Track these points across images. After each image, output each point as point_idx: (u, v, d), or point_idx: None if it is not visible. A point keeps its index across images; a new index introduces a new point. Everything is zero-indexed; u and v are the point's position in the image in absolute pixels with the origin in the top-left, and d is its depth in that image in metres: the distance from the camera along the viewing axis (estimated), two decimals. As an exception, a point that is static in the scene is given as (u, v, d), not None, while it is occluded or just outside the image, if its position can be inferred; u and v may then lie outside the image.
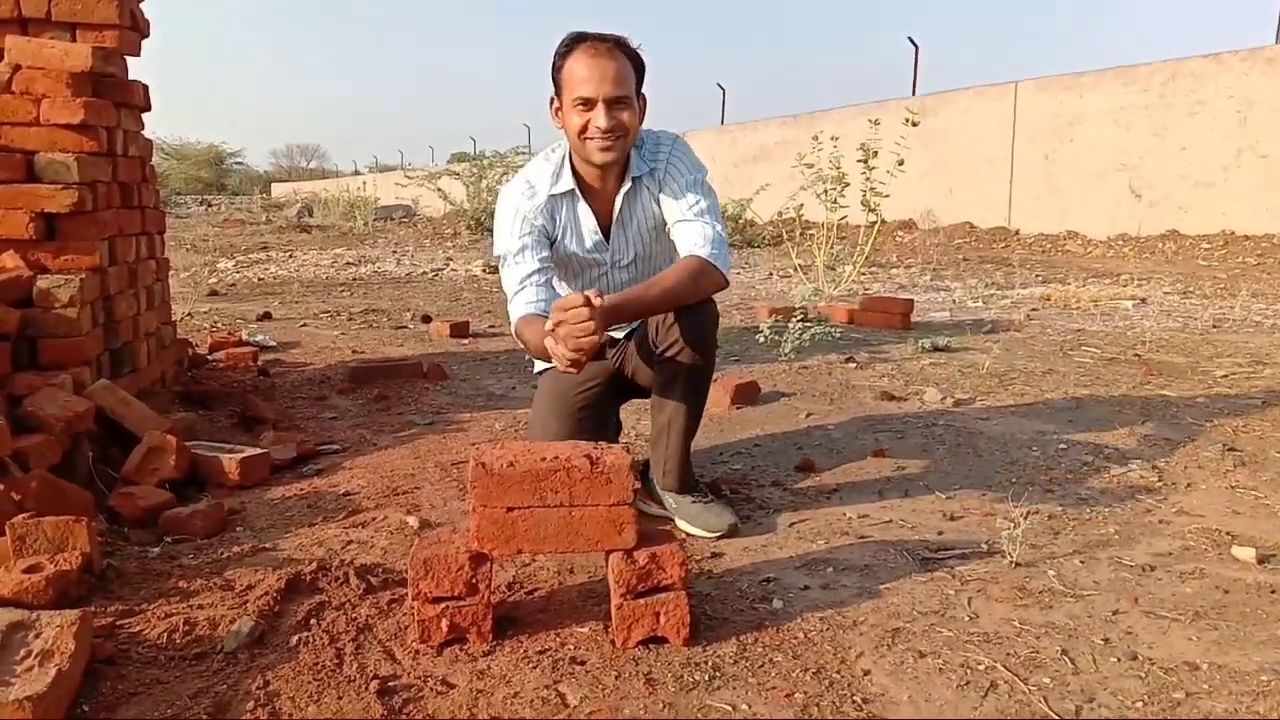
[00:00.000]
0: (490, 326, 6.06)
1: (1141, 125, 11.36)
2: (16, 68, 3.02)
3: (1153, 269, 9.19)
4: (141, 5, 3.50)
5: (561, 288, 2.50)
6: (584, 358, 1.96)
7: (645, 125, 2.48)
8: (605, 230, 2.45)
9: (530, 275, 2.31)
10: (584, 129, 2.25)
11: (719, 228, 2.36)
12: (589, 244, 2.45)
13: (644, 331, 2.46)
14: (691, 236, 2.33)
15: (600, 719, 1.52)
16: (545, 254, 2.36)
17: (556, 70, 2.29)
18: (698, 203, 2.37)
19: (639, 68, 2.31)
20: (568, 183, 2.39)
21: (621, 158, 2.33)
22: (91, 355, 2.99)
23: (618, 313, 2.13)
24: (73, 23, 3.19)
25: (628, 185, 2.40)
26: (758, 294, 7.78)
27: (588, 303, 1.94)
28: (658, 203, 2.44)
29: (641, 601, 1.72)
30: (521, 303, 2.29)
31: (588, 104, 2.23)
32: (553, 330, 1.96)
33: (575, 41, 2.26)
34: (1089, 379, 4.16)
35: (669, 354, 2.33)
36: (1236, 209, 10.33)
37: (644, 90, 2.35)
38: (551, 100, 2.34)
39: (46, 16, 3.15)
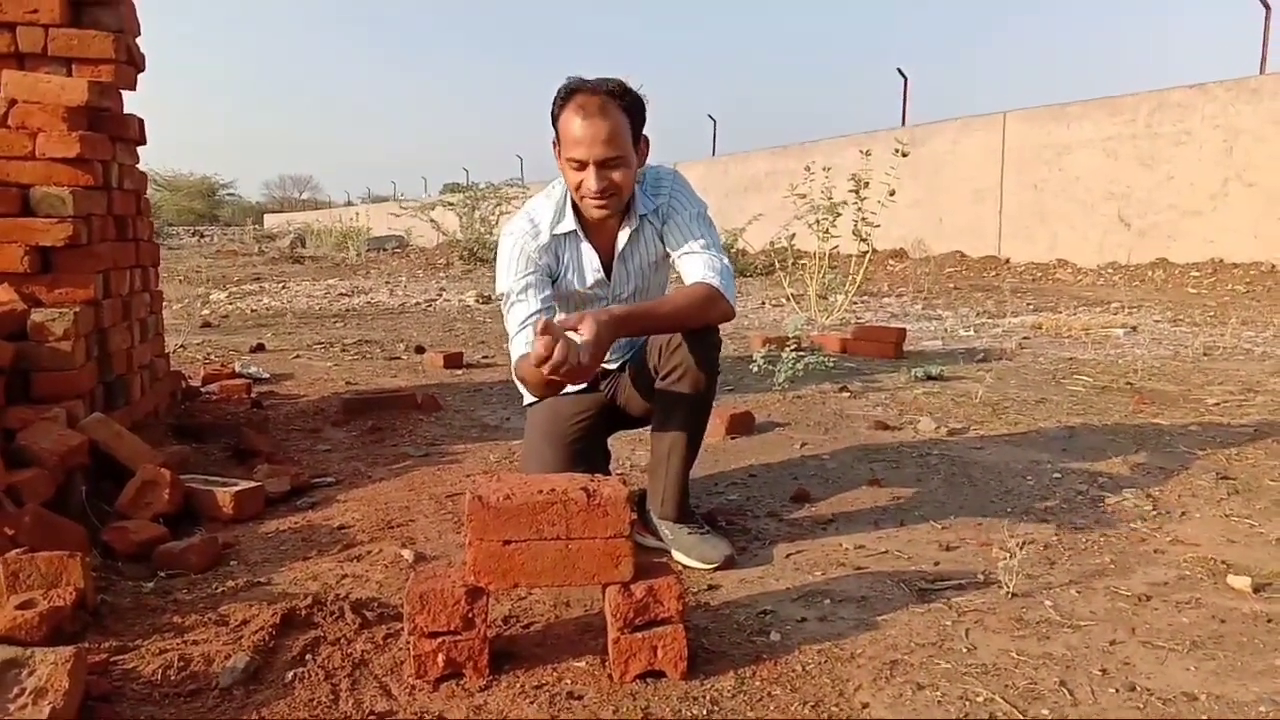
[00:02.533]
0: (484, 357, 6.06)
1: (1129, 155, 11.46)
2: (12, 102, 3.03)
3: (1143, 297, 9.25)
4: (138, 40, 3.52)
5: None
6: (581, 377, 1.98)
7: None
8: (606, 266, 2.47)
9: (531, 317, 2.33)
10: (578, 186, 2.28)
11: (725, 260, 2.39)
12: (590, 281, 2.46)
13: (639, 362, 2.47)
14: (700, 267, 2.36)
15: (598, 754, 1.51)
16: (547, 293, 2.38)
17: (554, 119, 2.31)
18: (702, 236, 2.41)
19: (636, 114, 2.30)
20: (570, 223, 2.41)
21: (616, 212, 2.36)
22: (85, 389, 2.99)
23: (627, 323, 2.14)
24: (69, 57, 3.20)
25: (634, 224, 2.42)
26: (751, 323, 7.80)
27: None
28: (660, 238, 2.46)
29: (639, 635, 1.72)
30: (521, 343, 2.32)
31: (580, 165, 2.25)
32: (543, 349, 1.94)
33: (571, 93, 2.26)
34: (1082, 407, 4.18)
35: (671, 379, 2.34)
36: (1225, 237, 10.41)
37: (645, 133, 2.35)
38: (554, 142, 2.36)
39: (43, 51, 3.17)
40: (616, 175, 2.26)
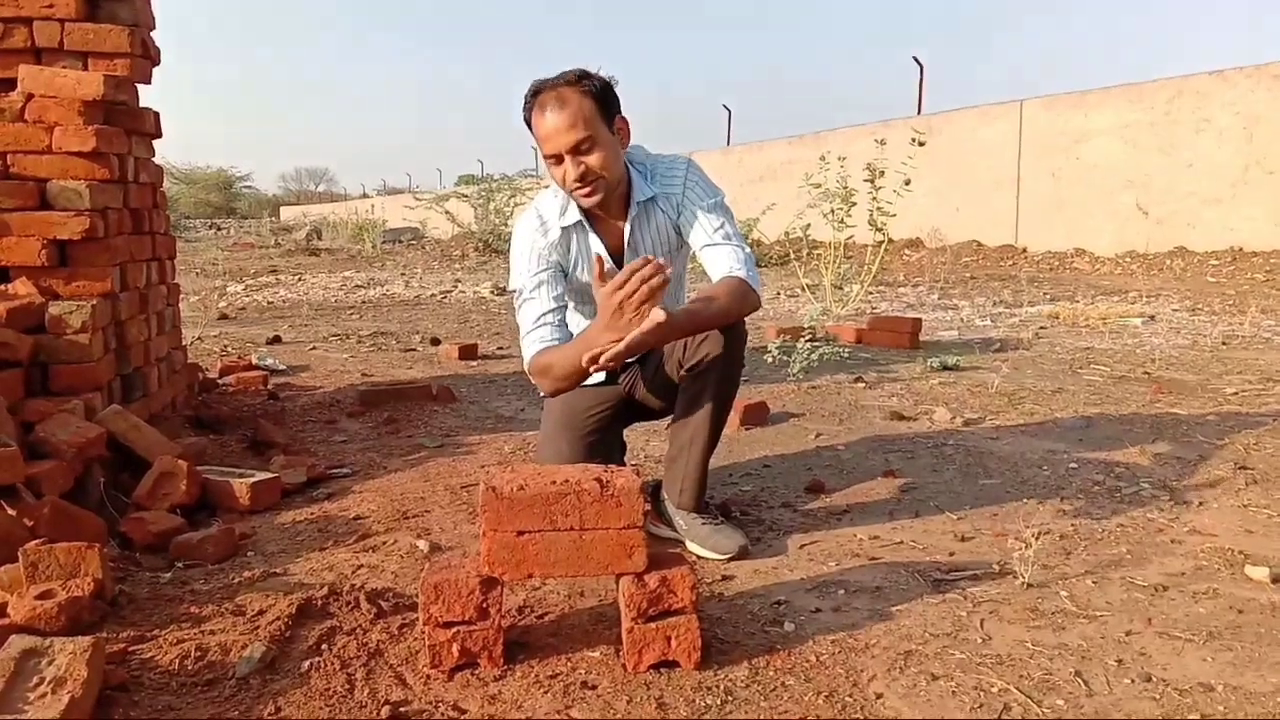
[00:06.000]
0: (499, 349, 6.07)
1: (1148, 142, 11.36)
2: (29, 96, 3.05)
3: (1161, 286, 9.18)
4: (153, 34, 3.54)
5: (575, 318, 2.52)
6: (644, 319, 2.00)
7: (653, 150, 2.50)
8: (617, 257, 2.47)
9: (544, 315, 2.35)
10: (563, 180, 2.29)
11: (748, 250, 2.40)
12: None
13: (660, 355, 2.47)
14: (726, 259, 2.36)
15: (612, 744, 1.51)
16: (559, 290, 2.39)
17: (530, 126, 2.33)
18: (722, 226, 2.40)
19: (602, 96, 2.28)
20: (575, 215, 2.41)
21: (607, 196, 2.35)
22: (103, 381, 3.01)
23: (689, 324, 2.19)
24: (85, 51, 3.22)
25: (634, 211, 2.42)
26: (765, 314, 7.78)
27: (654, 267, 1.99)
28: (676, 228, 2.46)
29: (652, 625, 1.72)
30: (535, 340, 2.34)
31: (557, 159, 2.27)
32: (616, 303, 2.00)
33: (534, 95, 2.28)
34: (1099, 397, 4.15)
35: (698, 370, 2.34)
36: (1244, 225, 10.31)
37: (623, 114, 2.35)
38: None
39: (59, 45, 3.19)
40: (592, 159, 2.26)
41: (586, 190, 2.29)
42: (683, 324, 2.17)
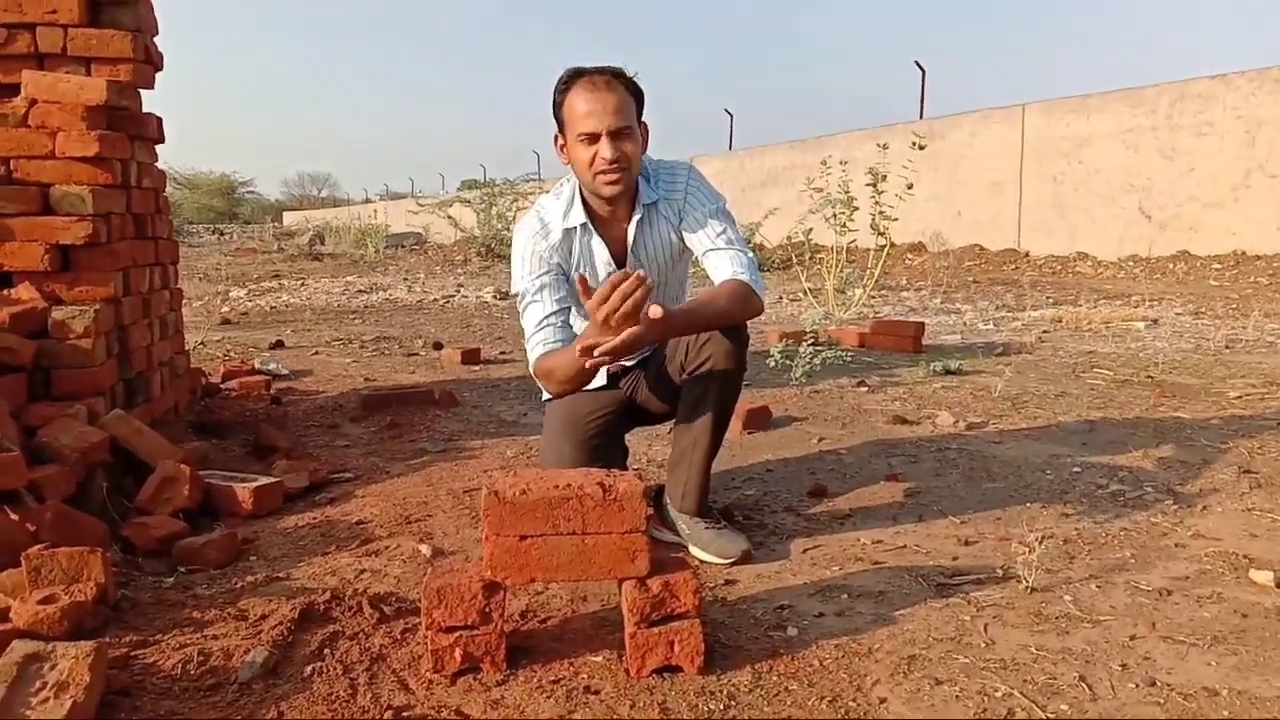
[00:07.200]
0: (501, 353, 6.08)
1: (1150, 147, 11.36)
2: (33, 102, 3.05)
3: (1164, 290, 9.17)
4: (155, 39, 3.54)
5: (578, 324, 2.52)
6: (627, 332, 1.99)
7: (655, 154, 2.51)
8: (620, 260, 2.47)
9: (547, 317, 2.35)
10: (590, 162, 2.28)
11: (750, 255, 2.40)
12: (603, 275, 2.46)
13: (661, 359, 2.47)
14: (728, 264, 2.36)
15: (615, 749, 1.51)
16: (562, 293, 2.40)
17: (557, 107, 2.32)
18: (724, 231, 2.41)
19: (638, 97, 2.33)
20: (579, 216, 2.41)
21: (628, 188, 2.36)
22: (106, 386, 3.01)
23: (688, 323, 2.20)
24: (88, 57, 3.22)
25: (639, 214, 2.42)
26: (767, 318, 7.77)
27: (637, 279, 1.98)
28: (676, 233, 2.46)
29: (655, 630, 1.72)
30: (539, 343, 2.34)
31: (592, 138, 2.26)
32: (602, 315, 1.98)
33: (574, 77, 2.30)
34: (1102, 401, 4.15)
35: (700, 373, 2.35)
36: (1247, 229, 10.31)
37: (645, 119, 2.38)
38: (556, 137, 2.37)
39: (62, 51, 3.19)
40: (628, 147, 2.28)
41: (615, 176, 2.29)
42: (681, 322, 2.17)
